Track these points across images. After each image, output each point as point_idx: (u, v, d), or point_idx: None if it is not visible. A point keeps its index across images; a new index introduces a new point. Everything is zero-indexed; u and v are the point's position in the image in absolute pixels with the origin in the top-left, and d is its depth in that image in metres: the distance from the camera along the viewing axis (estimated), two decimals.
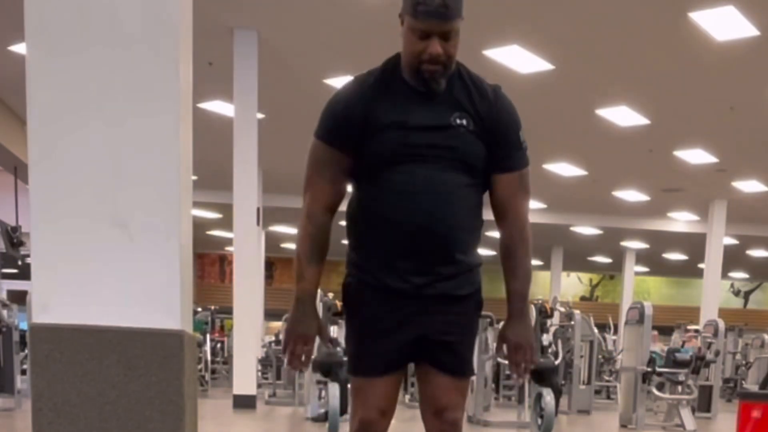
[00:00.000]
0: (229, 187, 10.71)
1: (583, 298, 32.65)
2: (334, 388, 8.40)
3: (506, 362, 2.87)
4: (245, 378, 11.13)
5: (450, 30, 2.46)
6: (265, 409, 11.59)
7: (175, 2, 2.66)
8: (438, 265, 2.61)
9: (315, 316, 2.70)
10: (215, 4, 9.08)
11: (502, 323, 2.77)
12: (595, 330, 13.56)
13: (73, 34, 2.61)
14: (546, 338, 9.79)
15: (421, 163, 2.55)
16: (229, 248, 25.24)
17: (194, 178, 6.83)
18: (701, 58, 10.04)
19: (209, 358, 15.19)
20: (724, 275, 21.93)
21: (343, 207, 2.71)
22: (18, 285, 17.52)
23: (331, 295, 9.85)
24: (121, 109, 2.64)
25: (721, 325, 13.24)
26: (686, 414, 10.18)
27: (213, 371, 16.20)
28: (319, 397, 9.67)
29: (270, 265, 27.81)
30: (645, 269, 29.60)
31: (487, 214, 2.72)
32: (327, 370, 8.59)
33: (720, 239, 18.44)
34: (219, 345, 17.77)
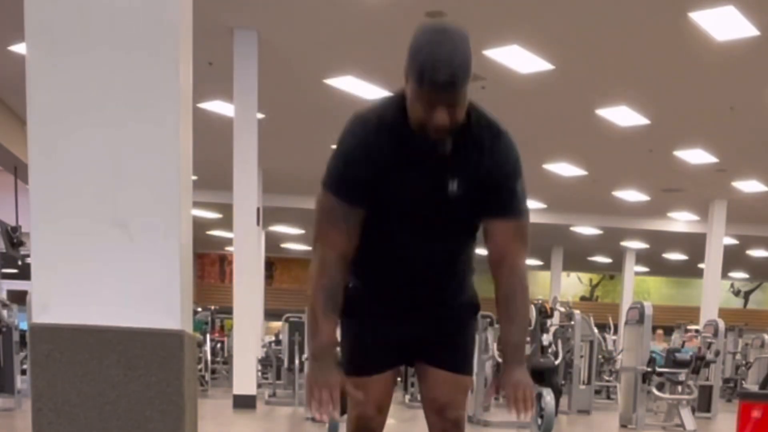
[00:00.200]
0: (229, 187, 10.71)
1: (583, 298, 32.65)
2: None
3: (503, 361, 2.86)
4: (245, 378, 11.13)
5: (457, 99, 2.34)
6: (265, 409, 11.59)
7: (175, 3, 2.65)
8: (432, 306, 2.69)
9: (336, 368, 2.58)
10: (215, 4, 9.08)
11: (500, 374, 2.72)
12: (595, 330, 13.56)
13: (73, 34, 2.61)
14: (546, 338, 9.79)
15: (420, 224, 2.54)
16: (229, 248, 25.24)
17: (194, 178, 6.83)
18: (701, 58, 10.04)
19: (209, 358, 15.18)
20: (724, 275, 21.93)
21: None
22: (18, 285, 17.53)
23: None
24: (121, 109, 2.64)
25: (721, 325, 13.23)
26: (686, 414, 10.18)
27: (213, 371, 16.19)
28: None
29: (270, 265, 27.81)
30: (645, 269, 29.61)
31: None
32: None
33: (720, 239, 18.44)
34: (219, 345, 17.77)
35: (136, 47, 2.63)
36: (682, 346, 13.58)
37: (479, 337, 9.65)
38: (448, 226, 2.57)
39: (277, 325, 18.17)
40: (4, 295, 13.08)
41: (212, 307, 17.40)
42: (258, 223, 11.38)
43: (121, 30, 2.62)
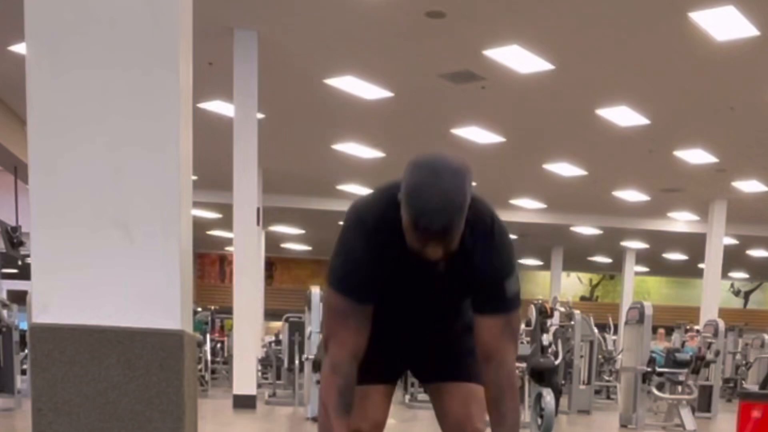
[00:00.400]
0: (229, 187, 10.71)
1: (583, 298, 32.65)
2: None
3: None
4: (245, 378, 11.13)
5: (452, 237, 2.31)
6: (265, 409, 11.59)
7: (175, 2, 2.65)
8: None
9: None
10: (215, 4, 9.08)
11: None
12: (595, 330, 13.56)
13: (73, 35, 2.61)
14: (546, 338, 9.79)
15: (415, 307, 2.61)
16: (229, 248, 25.23)
17: (194, 178, 6.83)
18: (701, 58, 10.04)
19: (209, 358, 15.20)
20: (724, 275, 21.93)
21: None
22: (18, 285, 17.53)
23: None
24: (121, 109, 2.64)
25: (721, 325, 13.24)
26: (686, 414, 10.18)
27: (213, 371, 16.20)
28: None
29: (270, 265, 27.80)
30: (645, 269, 29.61)
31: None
32: None
33: (720, 239, 18.44)
34: (219, 345, 17.79)
35: (136, 47, 2.63)
36: (683, 346, 13.58)
37: None
38: (444, 306, 2.63)
39: (277, 325, 18.20)
40: (4, 295, 13.09)
41: (212, 307, 17.41)
42: (258, 223, 11.38)
43: (121, 30, 2.62)
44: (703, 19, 8.90)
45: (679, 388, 10.65)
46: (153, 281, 2.66)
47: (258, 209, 11.24)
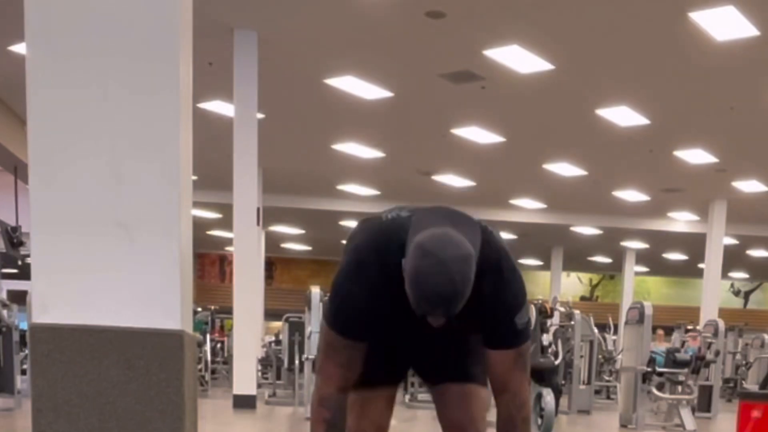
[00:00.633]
0: (229, 187, 10.71)
1: (583, 298, 32.65)
2: None
3: None
4: (245, 378, 11.13)
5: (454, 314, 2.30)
6: (265, 409, 11.59)
7: (175, 2, 2.65)
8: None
9: None
10: (215, 4, 9.08)
11: None
12: (595, 330, 13.56)
13: (73, 35, 2.61)
14: (546, 338, 9.78)
15: (418, 341, 2.64)
16: (229, 248, 25.24)
17: (194, 178, 6.83)
18: (701, 58, 10.04)
19: (209, 358, 15.19)
20: (724, 275, 21.93)
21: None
22: (18, 285, 17.52)
23: None
24: (121, 109, 2.64)
25: (721, 325, 13.24)
26: (686, 414, 10.18)
27: (213, 371, 16.20)
28: None
29: (270, 265, 27.81)
30: (645, 269, 29.61)
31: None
32: None
33: (720, 239, 18.44)
34: (219, 345, 17.78)
35: (136, 47, 2.63)
36: (682, 346, 13.58)
37: None
38: (448, 338, 2.63)
39: (277, 325, 18.20)
40: (4, 295, 13.08)
41: (212, 307, 17.40)
42: (258, 223, 11.38)
43: (121, 30, 2.62)
44: (703, 19, 8.89)
45: (679, 388, 10.64)
46: (153, 281, 2.66)
47: (258, 209, 11.24)
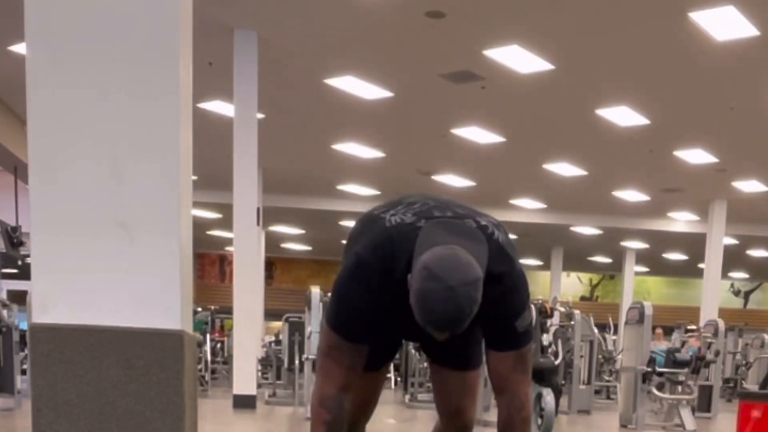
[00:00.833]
0: (229, 187, 10.71)
1: (583, 298, 32.65)
2: None
3: None
4: (245, 378, 11.13)
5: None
6: (265, 409, 11.58)
7: (175, 2, 2.65)
8: None
9: None
10: (215, 4, 9.08)
11: None
12: (595, 330, 13.55)
13: (73, 35, 2.61)
14: (546, 338, 9.78)
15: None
16: (229, 248, 25.25)
17: (194, 178, 6.83)
18: (701, 58, 10.04)
19: (209, 358, 15.18)
20: (724, 275, 21.94)
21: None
22: (18, 285, 17.52)
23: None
24: (121, 109, 2.64)
25: (721, 325, 13.23)
26: (686, 414, 10.18)
27: (213, 371, 16.19)
28: None
29: (270, 265, 27.80)
30: (645, 269, 29.61)
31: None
32: None
33: (720, 239, 18.44)
34: (219, 345, 17.77)
35: (136, 47, 2.63)
36: (682, 345, 13.58)
37: None
38: (448, 339, 2.60)
39: (277, 325, 18.20)
40: (4, 295, 13.08)
41: (212, 307, 17.40)
42: (258, 223, 11.38)
43: (121, 30, 2.62)
44: (703, 19, 8.90)
45: (679, 388, 10.64)
46: (153, 281, 2.66)
47: (258, 209, 11.24)
